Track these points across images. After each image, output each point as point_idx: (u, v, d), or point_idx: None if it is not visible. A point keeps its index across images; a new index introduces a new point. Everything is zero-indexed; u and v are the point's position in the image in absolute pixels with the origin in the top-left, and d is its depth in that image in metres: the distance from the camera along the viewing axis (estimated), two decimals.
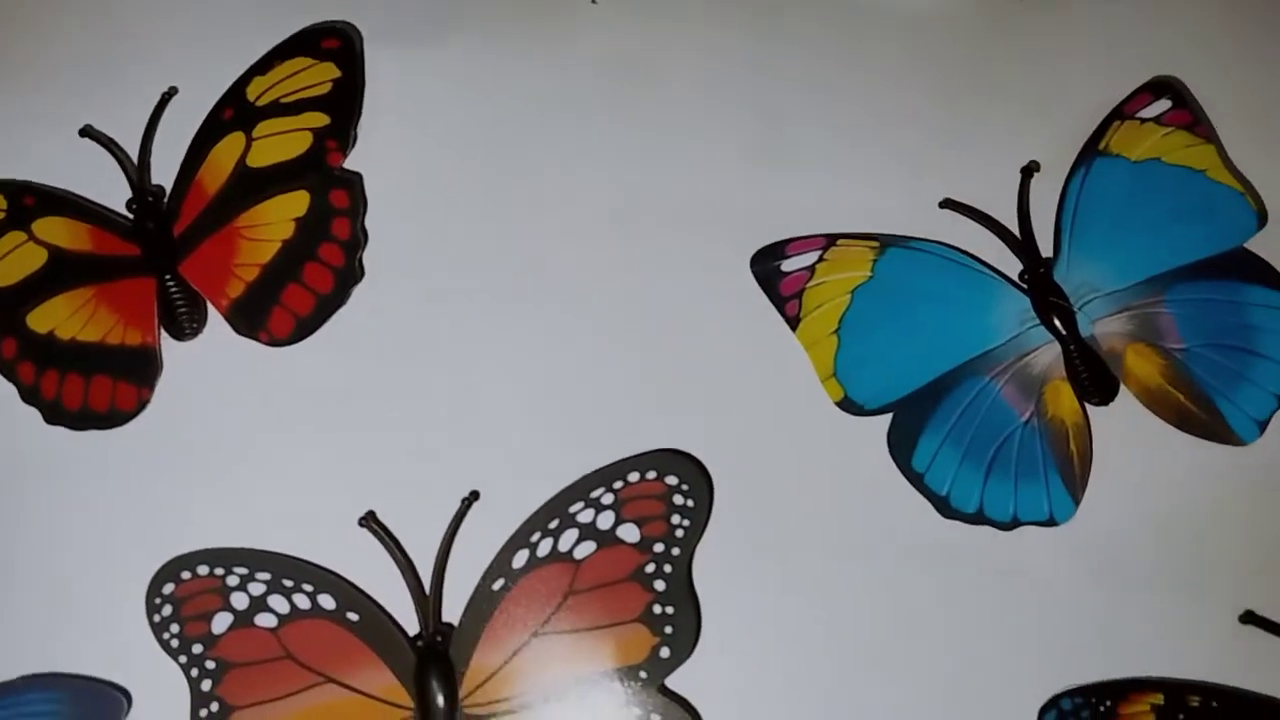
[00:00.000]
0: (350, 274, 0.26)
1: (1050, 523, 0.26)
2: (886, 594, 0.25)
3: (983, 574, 0.25)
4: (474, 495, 0.24)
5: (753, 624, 0.24)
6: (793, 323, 0.27)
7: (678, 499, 0.23)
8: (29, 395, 0.25)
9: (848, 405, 0.27)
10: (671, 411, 0.25)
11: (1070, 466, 0.26)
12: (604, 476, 0.23)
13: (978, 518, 0.26)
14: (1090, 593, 0.25)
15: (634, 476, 0.23)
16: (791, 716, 0.23)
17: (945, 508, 0.26)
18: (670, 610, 0.23)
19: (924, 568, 0.25)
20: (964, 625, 0.25)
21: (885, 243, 0.27)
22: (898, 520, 0.26)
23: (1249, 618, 0.24)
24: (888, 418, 0.27)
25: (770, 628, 0.24)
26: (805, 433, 0.26)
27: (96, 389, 0.25)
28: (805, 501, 0.25)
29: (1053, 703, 0.24)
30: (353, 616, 0.23)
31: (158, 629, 0.23)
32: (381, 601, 0.23)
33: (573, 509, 0.23)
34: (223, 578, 0.23)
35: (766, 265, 0.28)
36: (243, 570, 0.23)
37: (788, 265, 0.28)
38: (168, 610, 0.23)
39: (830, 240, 0.27)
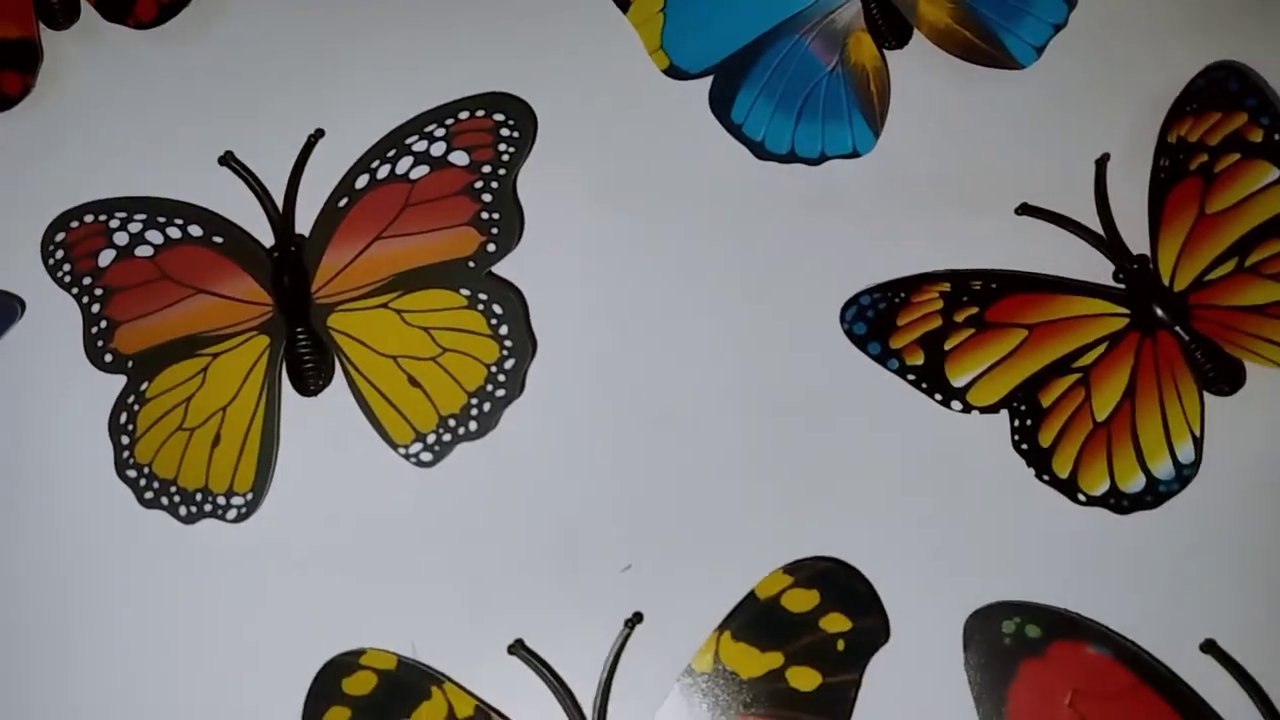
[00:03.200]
0: None
1: (854, 154, 0.30)
2: (701, 229, 0.29)
3: (794, 207, 0.30)
4: (319, 132, 0.29)
5: (572, 233, 0.28)
6: (623, 6, 0.32)
7: (505, 131, 0.28)
8: None
9: (674, 72, 0.31)
10: (499, 75, 0.30)
11: (871, 105, 0.31)
12: (437, 114, 0.28)
13: (790, 157, 0.30)
14: (890, 214, 0.30)
15: (464, 114, 0.28)
16: (601, 306, 0.28)
17: (761, 151, 0.30)
18: (496, 215, 0.27)
19: (739, 205, 0.30)
20: (771, 251, 0.29)
21: None
22: (716, 166, 0.30)
23: (1024, 209, 0.29)
24: (710, 80, 0.31)
25: (589, 240, 0.28)
26: (633, 96, 0.31)
27: None
28: (630, 148, 0.30)
29: (853, 300, 0.29)
30: (218, 239, 0.28)
31: (52, 270, 0.28)
32: (243, 225, 0.28)
33: (408, 140, 0.28)
34: (105, 221, 0.28)
35: None
36: (123, 214, 0.28)
37: None
38: (60, 254, 0.28)
39: None
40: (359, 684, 0.25)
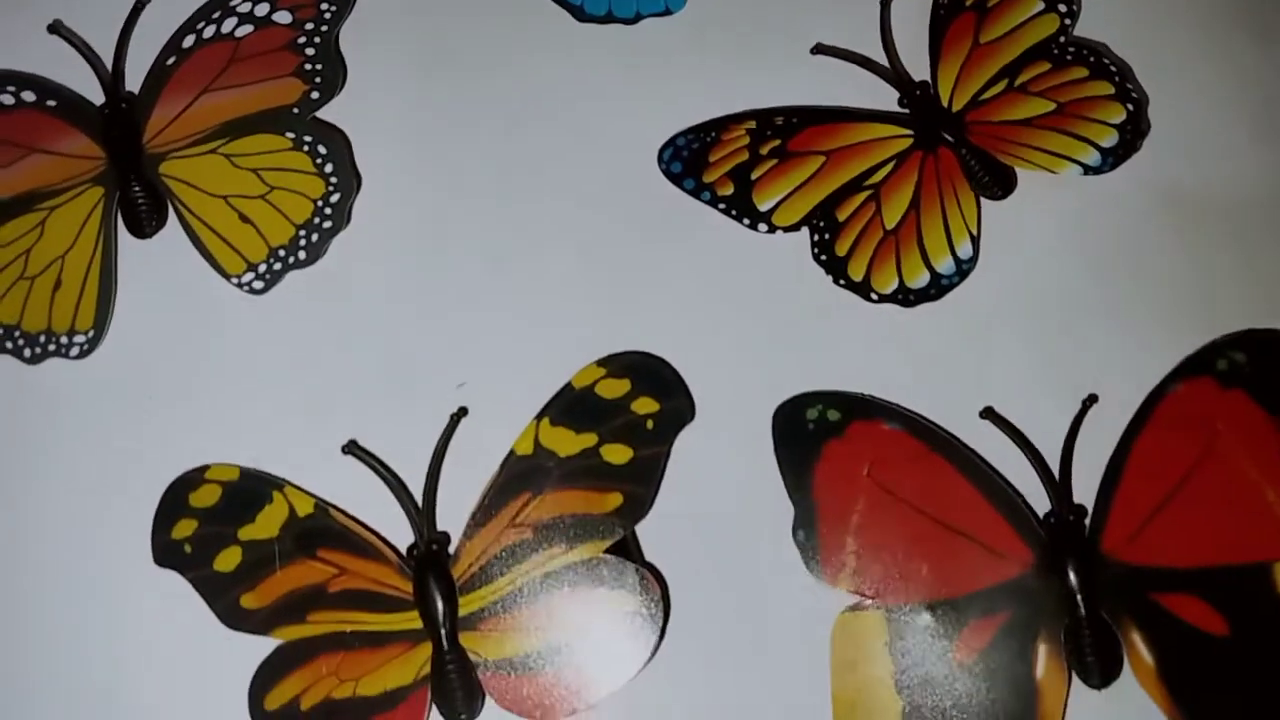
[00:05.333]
0: None
1: (667, 12, 0.34)
2: (525, 88, 0.33)
3: (614, 65, 0.33)
4: None
5: (395, 88, 0.32)
6: None
7: None
8: None
9: None
10: None
11: None
12: None
13: (607, 18, 0.34)
14: (703, 64, 0.34)
15: None
16: (424, 150, 0.31)
17: (580, 14, 0.34)
18: (319, 67, 0.31)
19: (561, 65, 0.33)
20: (592, 104, 0.33)
21: None
22: (538, 30, 0.34)
23: (818, 49, 0.33)
24: None
25: (411, 96, 0.32)
26: None
27: None
28: (452, 12, 0.33)
29: (669, 142, 0.33)
30: (51, 103, 0.31)
31: None
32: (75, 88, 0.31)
33: (233, 2, 0.31)
34: None
35: None
36: None
37: None
38: None
39: None
40: (204, 497, 0.28)
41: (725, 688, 0.28)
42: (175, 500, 0.28)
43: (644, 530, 0.29)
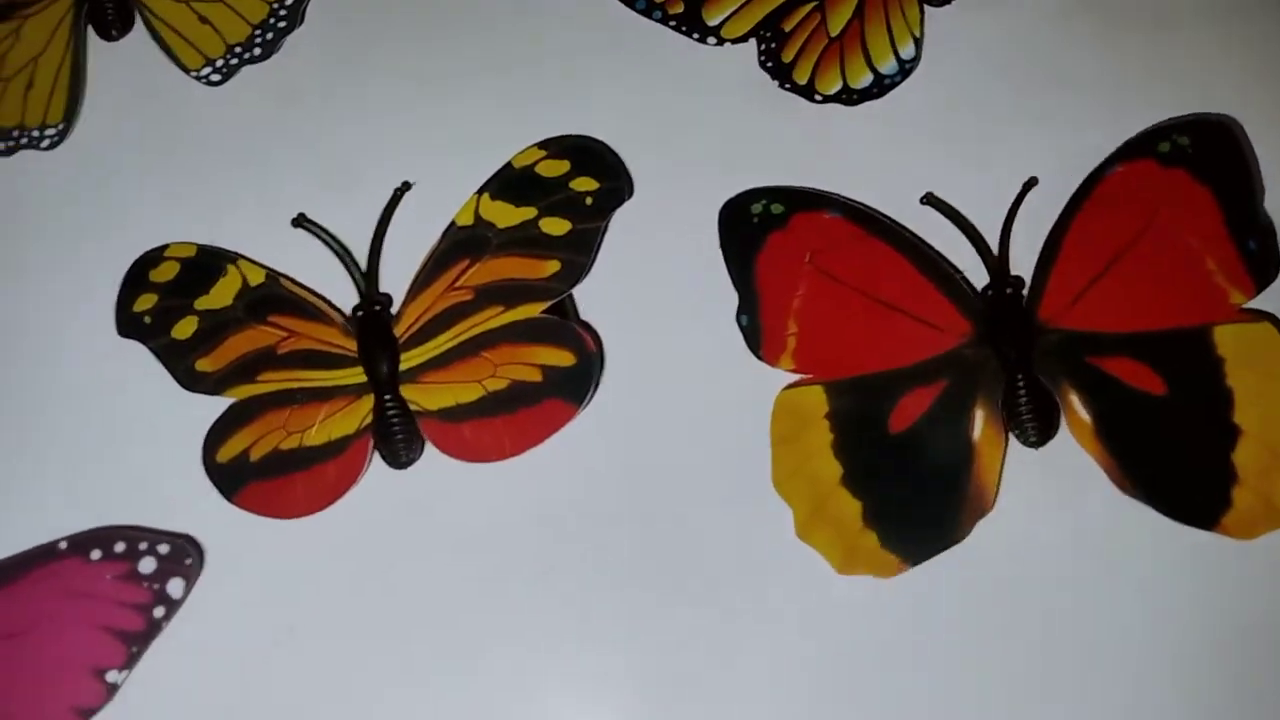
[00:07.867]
0: None
1: None
2: None
3: None
4: None
5: None
6: None
7: None
8: None
9: None
10: None
11: None
12: None
13: None
14: None
15: None
16: None
17: None
18: None
19: None
20: None
21: None
22: None
23: None
24: None
25: None
26: None
27: None
28: None
29: None
30: None
31: None
32: None
33: None
34: None
35: None
36: None
37: None
38: None
39: None
40: (164, 272, 0.30)
41: (658, 445, 0.29)
42: (137, 277, 0.30)
43: (590, 304, 0.30)
